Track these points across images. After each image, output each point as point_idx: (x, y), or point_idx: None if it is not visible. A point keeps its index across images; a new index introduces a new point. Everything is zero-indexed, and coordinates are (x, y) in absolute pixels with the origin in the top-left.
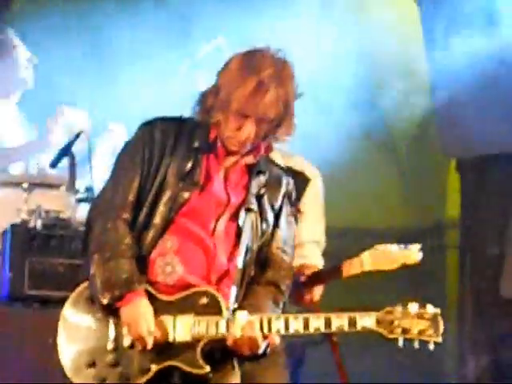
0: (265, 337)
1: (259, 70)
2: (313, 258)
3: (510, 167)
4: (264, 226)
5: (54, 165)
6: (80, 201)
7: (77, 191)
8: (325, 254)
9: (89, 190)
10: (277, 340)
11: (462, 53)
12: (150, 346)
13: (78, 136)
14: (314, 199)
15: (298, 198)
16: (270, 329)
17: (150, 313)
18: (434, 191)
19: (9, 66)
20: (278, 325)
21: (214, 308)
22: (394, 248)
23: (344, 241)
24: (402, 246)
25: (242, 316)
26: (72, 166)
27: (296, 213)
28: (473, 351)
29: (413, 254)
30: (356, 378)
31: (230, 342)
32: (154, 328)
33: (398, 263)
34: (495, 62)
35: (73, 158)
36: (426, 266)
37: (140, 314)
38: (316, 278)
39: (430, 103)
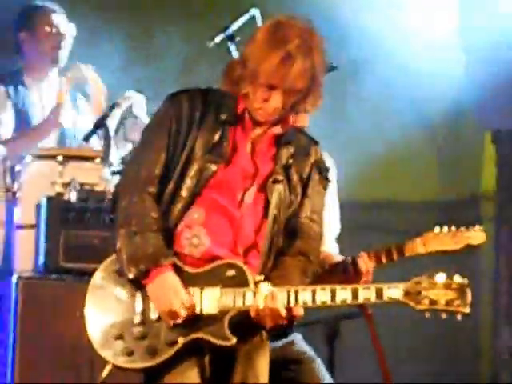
0: (288, 308)
1: (286, 41)
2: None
3: None
4: (292, 196)
5: (87, 138)
6: (114, 173)
7: (111, 164)
8: (363, 226)
9: (123, 162)
10: (301, 312)
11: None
12: (183, 318)
13: (112, 108)
14: (332, 189)
15: None
16: (296, 300)
17: (178, 284)
18: (469, 163)
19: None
20: (305, 296)
21: (240, 280)
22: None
23: (381, 213)
24: (464, 227)
25: (265, 287)
26: (106, 139)
27: (325, 181)
28: (507, 323)
29: (478, 234)
30: (390, 351)
31: (253, 314)
32: (187, 299)
33: (462, 243)
34: None
35: (107, 130)
36: None
37: (168, 288)
38: (377, 256)
39: (466, 75)
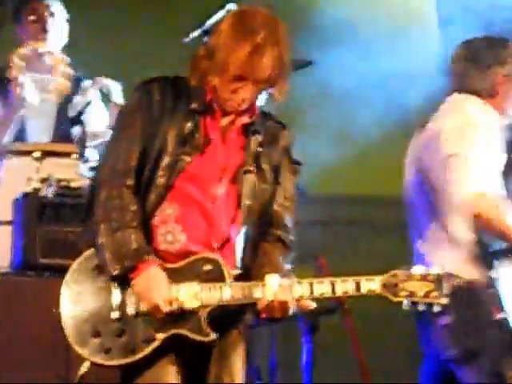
0: (298, 300)
1: (253, 32)
2: None
3: None
4: (264, 185)
5: (65, 134)
6: (91, 169)
7: (88, 160)
8: (345, 223)
9: (100, 158)
10: (312, 304)
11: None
12: (163, 313)
13: (88, 104)
14: None
15: None
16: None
17: (163, 280)
18: None
19: None
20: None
21: (217, 274)
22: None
23: (364, 209)
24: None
25: (274, 280)
26: (83, 135)
27: (295, 166)
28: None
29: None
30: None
31: (261, 306)
32: (168, 295)
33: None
34: None
35: (84, 126)
36: None
37: (152, 282)
38: None
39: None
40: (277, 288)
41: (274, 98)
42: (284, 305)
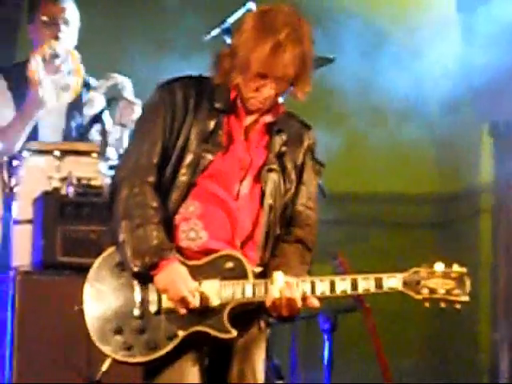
0: (303, 298)
1: (275, 30)
2: None
3: None
4: (287, 184)
5: (84, 132)
6: (112, 168)
7: (108, 158)
8: (358, 219)
9: (120, 156)
10: (316, 303)
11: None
12: (194, 305)
13: (109, 103)
14: None
15: None
16: (313, 291)
17: (186, 274)
18: (467, 155)
19: None
20: (304, 287)
21: (239, 272)
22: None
23: (377, 205)
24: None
25: (280, 277)
26: (103, 133)
27: (319, 167)
28: (506, 315)
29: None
30: (388, 344)
31: (268, 304)
32: (194, 287)
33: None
34: None
35: (104, 124)
36: (459, 230)
37: (176, 276)
38: None
39: (463, 67)
40: (283, 285)
41: (297, 96)
42: (290, 302)
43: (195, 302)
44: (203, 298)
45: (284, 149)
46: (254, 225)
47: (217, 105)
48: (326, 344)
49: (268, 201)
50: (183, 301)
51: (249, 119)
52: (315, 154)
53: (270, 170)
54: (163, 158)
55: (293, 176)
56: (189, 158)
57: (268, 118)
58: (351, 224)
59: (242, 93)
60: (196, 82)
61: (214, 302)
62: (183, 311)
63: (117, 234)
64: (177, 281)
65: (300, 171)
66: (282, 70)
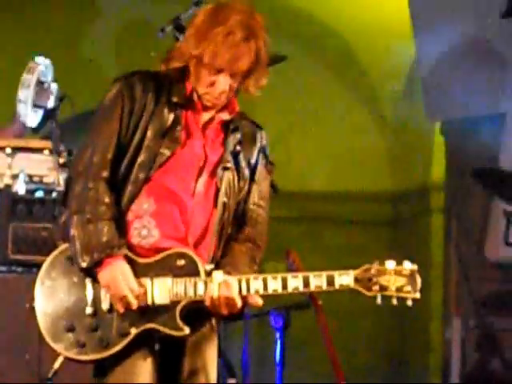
0: (243, 297)
1: (229, 25)
2: None
3: (495, 129)
4: (241, 183)
5: (37, 129)
6: (63, 165)
7: (60, 155)
8: (316, 217)
9: (72, 153)
10: (259, 301)
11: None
12: (135, 305)
13: (61, 100)
14: None
15: None
16: (248, 289)
17: (128, 272)
18: (419, 154)
19: None
20: (257, 285)
21: (191, 269)
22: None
23: (328, 204)
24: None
25: (219, 276)
26: (55, 130)
27: (271, 166)
28: (458, 314)
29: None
30: (341, 342)
31: (207, 302)
32: (137, 287)
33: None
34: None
35: (56, 121)
36: (411, 229)
37: (118, 274)
38: None
39: (416, 65)
40: (221, 284)
41: (249, 91)
42: (229, 301)
43: (135, 302)
44: (153, 296)
45: (239, 147)
46: (208, 223)
47: (174, 99)
48: (278, 342)
49: (222, 199)
50: (123, 300)
51: (206, 116)
52: (267, 154)
53: (226, 169)
54: (119, 153)
55: (246, 175)
56: (145, 153)
57: (224, 116)
58: (305, 221)
59: (196, 89)
60: (154, 76)
61: (166, 299)
62: (122, 310)
63: (68, 228)
64: (118, 279)
65: (253, 170)
66: (236, 64)
